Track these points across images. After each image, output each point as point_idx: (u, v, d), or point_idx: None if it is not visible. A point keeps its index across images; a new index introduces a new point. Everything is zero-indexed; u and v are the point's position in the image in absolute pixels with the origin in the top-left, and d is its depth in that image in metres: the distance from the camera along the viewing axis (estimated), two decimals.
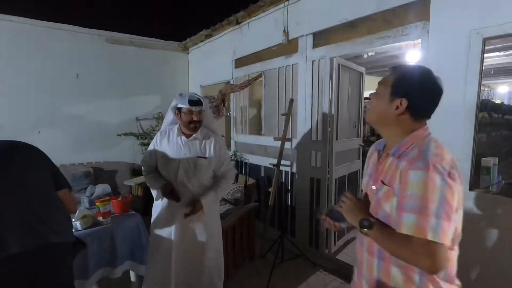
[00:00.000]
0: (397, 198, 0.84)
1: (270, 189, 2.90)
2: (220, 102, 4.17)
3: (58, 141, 3.82)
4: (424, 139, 0.89)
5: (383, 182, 0.91)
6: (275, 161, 2.85)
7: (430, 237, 0.75)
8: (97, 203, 1.99)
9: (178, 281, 1.85)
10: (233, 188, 2.97)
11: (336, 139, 2.80)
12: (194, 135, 1.84)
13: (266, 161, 3.34)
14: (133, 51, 4.44)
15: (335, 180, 2.85)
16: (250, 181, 3.16)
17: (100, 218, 2.03)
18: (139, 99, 4.53)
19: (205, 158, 1.84)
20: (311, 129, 2.89)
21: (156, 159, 1.89)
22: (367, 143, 4.73)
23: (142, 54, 4.51)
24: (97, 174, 3.89)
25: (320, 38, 2.73)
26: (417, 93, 0.89)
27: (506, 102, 7.48)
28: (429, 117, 0.94)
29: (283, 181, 3.24)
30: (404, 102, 0.89)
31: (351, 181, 3.16)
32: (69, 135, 3.98)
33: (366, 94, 4.25)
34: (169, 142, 1.87)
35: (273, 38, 3.13)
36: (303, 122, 2.95)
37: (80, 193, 3.05)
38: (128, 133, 4.40)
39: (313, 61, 2.79)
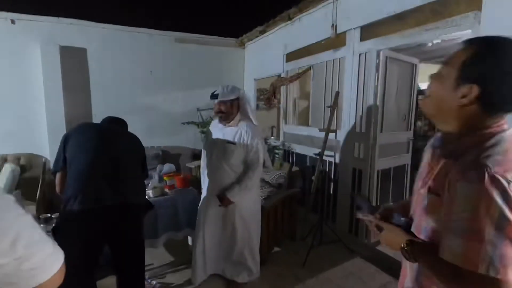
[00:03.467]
0: (445, 212, 0.67)
1: (313, 177, 3.07)
2: (272, 95, 4.43)
3: (135, 127, 4.37)
4: (491, 139, 0.66)
5: (430, 190, 0.74)
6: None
7: (483, 270, 0.57)
8: (164, 177, 2.48)
9: (209, 250, 2.19)
10: (277, 174, 3.22)
11: (381, 132, 2.83)
12: (231, 122, 2.10)
13: (311, 151, 3.51)
14: (195, 48, 4.96)
15: (378, 171, 2.88)
16: (294, 168, 3.37)
17: (167, 190, 2.51)
18: (200, 92, 5.04)
19: (234, 144, 2.02)
20: (355, 121, 2.96)
21: None
22: (423, 138, 4.48)
23: (203, 51, 5.01)
24: (165, 156, 4.55)
25: (368, 31, 2.76)
26: (496, 79, 0.64)
27: None
28: (510, 111, 0.69)
29: (327, 170, 3.37)
30: (475, 90, 0.65)
31: (397, 175, 3.14)
32: (143, 122, 4.69)
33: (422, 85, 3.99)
34: (213, 129, 2.24)
35: (322, 33, 3.24)
36: (348, 114, 3.03)
37: (151, 170, 3.66)
38: (191, 122, 4.98)
39: (359, 54, 2.84)
